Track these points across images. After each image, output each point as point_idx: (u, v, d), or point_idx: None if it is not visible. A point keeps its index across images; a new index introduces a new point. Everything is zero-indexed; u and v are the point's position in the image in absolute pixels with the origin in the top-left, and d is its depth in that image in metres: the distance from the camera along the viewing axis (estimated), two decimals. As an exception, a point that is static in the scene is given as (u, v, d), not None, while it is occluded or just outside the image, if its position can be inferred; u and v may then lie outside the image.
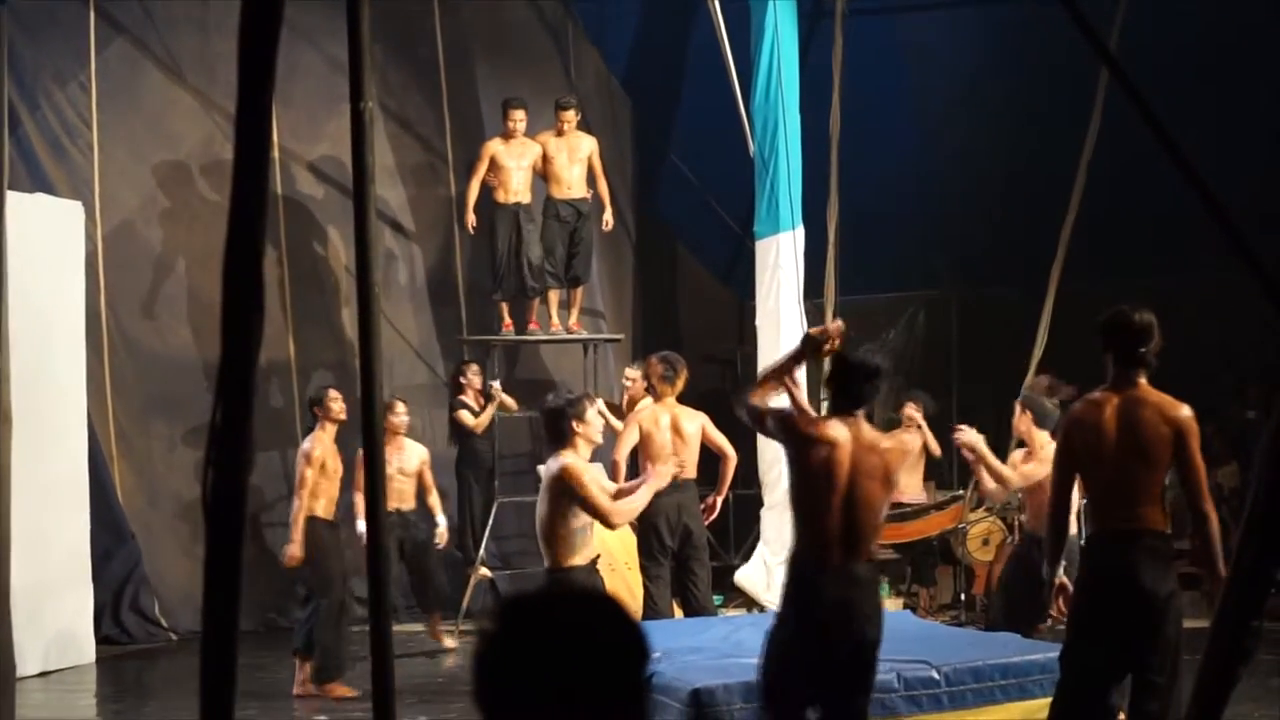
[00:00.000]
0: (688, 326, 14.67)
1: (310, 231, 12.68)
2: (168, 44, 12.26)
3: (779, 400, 5.87)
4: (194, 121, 12.27)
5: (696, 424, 9.18)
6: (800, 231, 11.68)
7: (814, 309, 12.34)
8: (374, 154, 3.08)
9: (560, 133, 12.02)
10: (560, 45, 13.65)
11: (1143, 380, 5.51)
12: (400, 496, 9.92)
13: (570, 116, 12.00)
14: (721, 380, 14.31)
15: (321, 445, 9.28)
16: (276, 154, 11.95)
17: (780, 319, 11.58)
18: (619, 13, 13.79)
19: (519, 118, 11.91)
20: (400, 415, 10.14)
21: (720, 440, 9.31)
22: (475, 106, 13.16)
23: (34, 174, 11.52)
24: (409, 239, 13.04)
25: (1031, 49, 12.24)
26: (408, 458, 10.16)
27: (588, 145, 12.12)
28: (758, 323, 11.86)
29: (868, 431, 5.46)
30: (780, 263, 11.59)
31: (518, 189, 12.00)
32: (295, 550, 9.13)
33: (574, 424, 6.74)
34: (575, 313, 12.46)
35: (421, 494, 10.34)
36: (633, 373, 11.37)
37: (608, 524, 6.74)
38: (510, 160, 11.97)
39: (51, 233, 10.64)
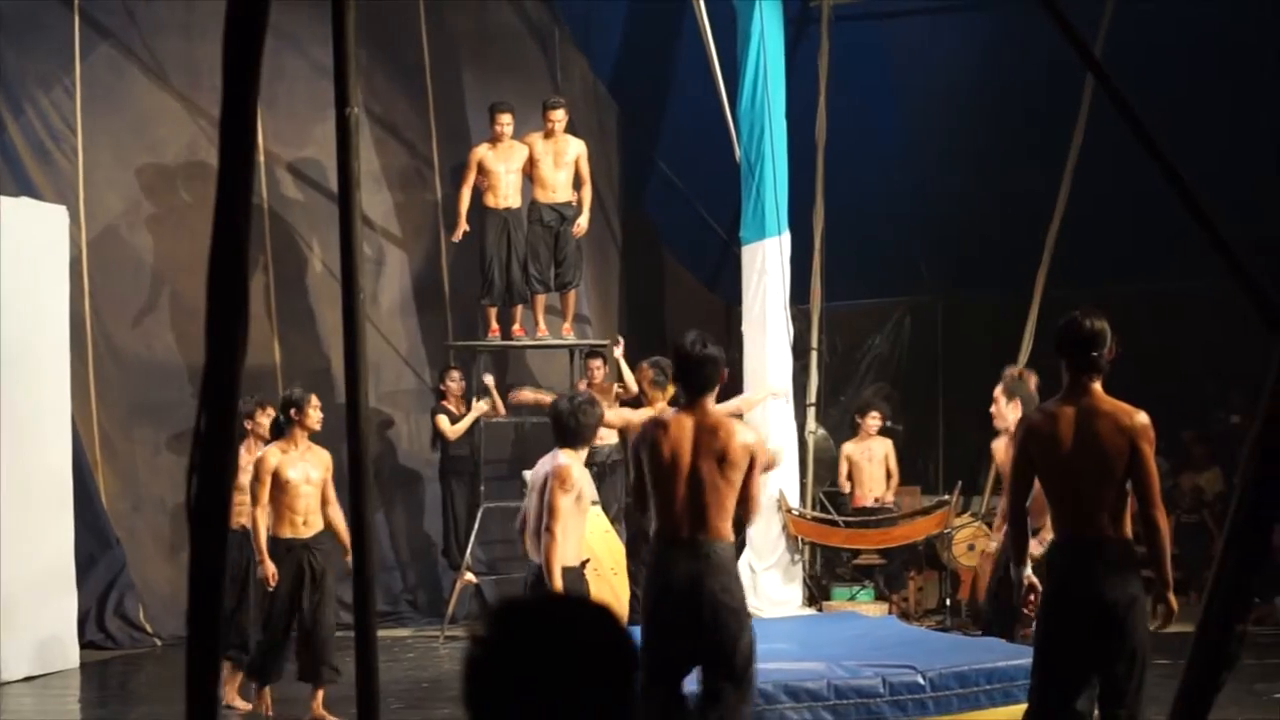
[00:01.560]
0: (674, 332, 14.65)
1: (295, 237, 12.65)
2: (152, 48, 12.24)
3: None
4: (178, 126, 12.25)
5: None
6: (786, 237, 11.70)
7: (800, 314, 12.37)
8: (359, 159, 3.07)
9: (549, 134, 11.98)
10: (546, 50, 13.62)
11: (1096, 386, 5.51)
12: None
13: (558, 116, 11.95)
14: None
15: (277, 456, 8.31)
16: (261, 159, 11.92)
17: (767, 324, 11.61)
18: (605, 18, 13.78)
19: (505, 122, 11.88)
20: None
21: None
22: (461, 112, 13.14)
23: (18, 178, 11.50)
24: (395, 244, 13.01)
25: (1018, 54, 12.25)
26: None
27: (575, 149, 12.06)
28: (744, 328, 11.87)
29: (710, 417, 5.85)
30: (766, 268, 11.61)
31: (507, 193, 11.96)
32: (266, 569, 8.26)
33: (575, 430, 6.68)
34: (569, 319, 12.40)
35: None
36: (596, 361, 11.71)
37: (549, 534, 6.54)
38: (499, 165, 11.93)
39: (36, 237, 10.61)
